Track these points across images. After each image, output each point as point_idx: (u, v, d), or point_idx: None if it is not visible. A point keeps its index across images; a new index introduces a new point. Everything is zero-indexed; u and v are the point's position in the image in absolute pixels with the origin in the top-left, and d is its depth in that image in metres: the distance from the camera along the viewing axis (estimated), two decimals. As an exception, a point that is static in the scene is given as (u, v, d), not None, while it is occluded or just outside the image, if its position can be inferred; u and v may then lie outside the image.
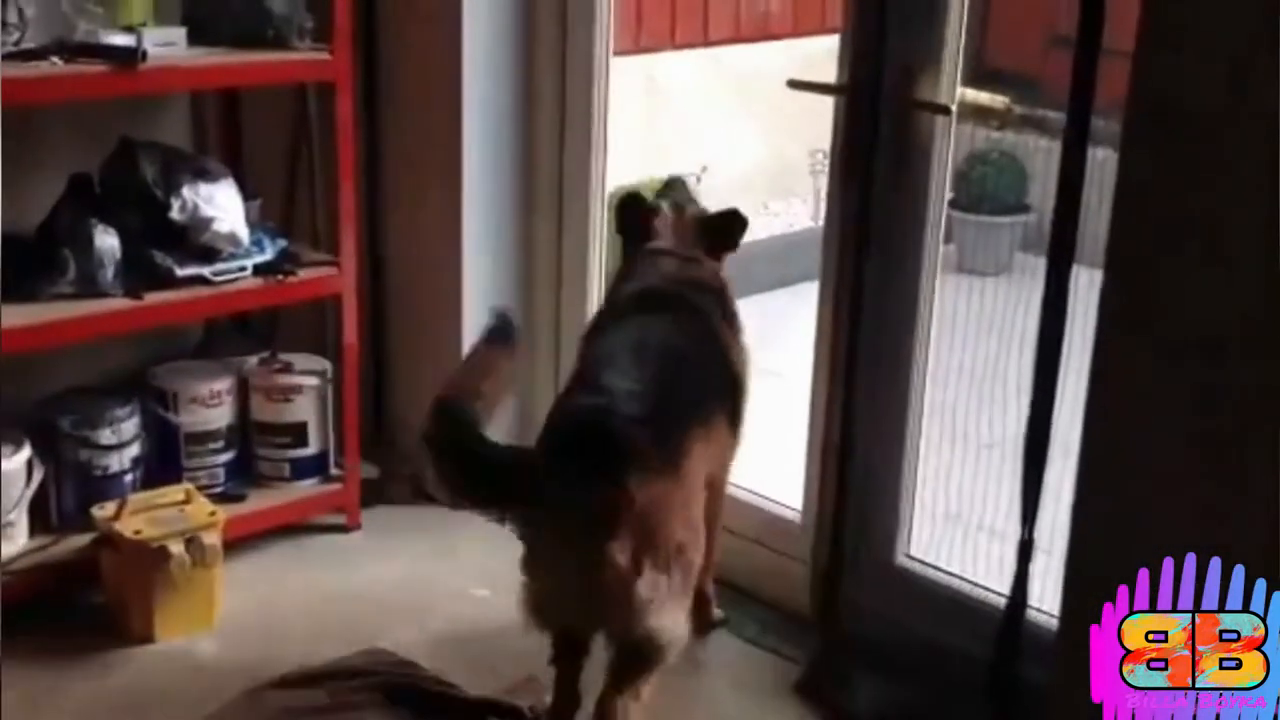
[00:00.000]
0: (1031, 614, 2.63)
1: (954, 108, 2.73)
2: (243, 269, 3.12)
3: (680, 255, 2.82)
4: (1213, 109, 1.69)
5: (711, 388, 2.61)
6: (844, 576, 2.92)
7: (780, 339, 3.96)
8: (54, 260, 2.93)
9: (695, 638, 2.84)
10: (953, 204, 5.02)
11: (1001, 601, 2.68)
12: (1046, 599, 2.59)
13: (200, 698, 2.74)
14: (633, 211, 2.91)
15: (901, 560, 2.98)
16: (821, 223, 3.04)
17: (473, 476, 2.34)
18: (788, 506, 3.15)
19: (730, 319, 2.81)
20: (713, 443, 2.57)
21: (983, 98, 2.78)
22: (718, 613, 3.02)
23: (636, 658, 2.39)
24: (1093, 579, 1.80)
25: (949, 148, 2.79)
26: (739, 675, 2.91)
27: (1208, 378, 1.71)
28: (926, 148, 2.78)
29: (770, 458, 3.42)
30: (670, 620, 2.36)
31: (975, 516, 3.30)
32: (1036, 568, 2.60)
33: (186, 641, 2.95)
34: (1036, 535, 2.61)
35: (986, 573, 2.90)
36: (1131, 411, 1.77)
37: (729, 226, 2.88)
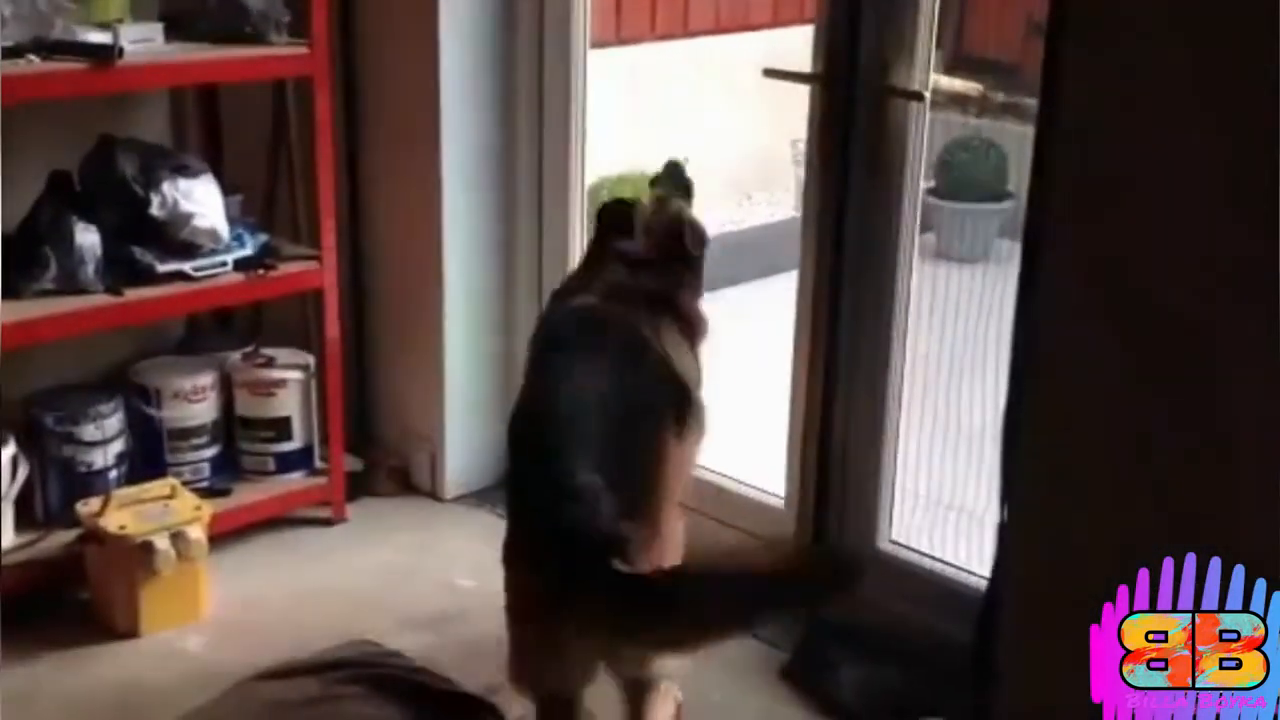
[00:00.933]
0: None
1: (928, 94, 2.74)
2: (223, 264, 3.12)
3: (636, 261, 2.71)
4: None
5: (655, 417, 2.50)
6: (826, 562, 2.93)
7: (763, 328, 3.97)
8: (35, 258, 2.94)
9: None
10: (933, 191, 5.06)
11: (983, 584, 2.70)
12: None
13: (187, 692, 2.74)
14: (609, 210, 2.85)
15: (884, 545, 2.99)
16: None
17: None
18: (770, 493, 3.16)
19: (688, 324, 2.71)
20: (675, 467, 2.51)
21: (957, 84, 2.81)
22: None
23: (647, 698, 2.45)
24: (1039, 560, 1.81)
25: (924, 134, 2.80)
26: (723, 661, 2.90)
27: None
28: (901, 135, 2.79)
29: (753, 445, 3.45)
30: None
31: (956, 501, 3.32)
32: (1006, 544, 2.61)
33: (172, 636, 2.96)
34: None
35: (968, 557, 2.92)
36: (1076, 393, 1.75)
37: (680, 236, 2.74)
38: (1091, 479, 1.73)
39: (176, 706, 2.70)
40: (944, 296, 3.93)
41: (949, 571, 2.91)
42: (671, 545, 2.40)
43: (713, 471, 3.27)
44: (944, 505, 3.32)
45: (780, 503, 3.11)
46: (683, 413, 2.61)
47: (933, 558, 2.95)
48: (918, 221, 2.88)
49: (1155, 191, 1.64)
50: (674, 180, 2.91)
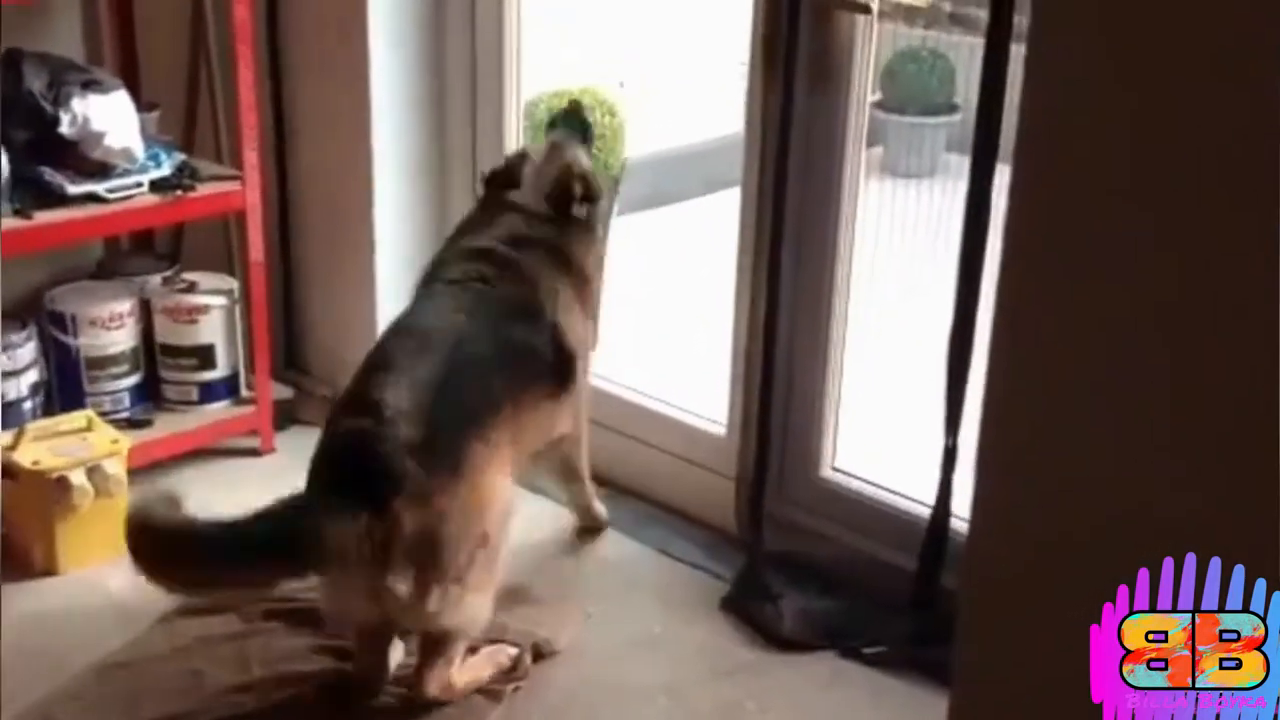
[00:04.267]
0: (956, 524, 2.61)
1: (875, 6, 2.64)
2: (138, 185, 3.00)
3: (530, 212, 2.70)
4: None
5: (516, 377, 2.49)
6: (769, 491, 2.88)
7: (708, 245, 3.89)
8: (-63, 179, 2.81)
9: (586, 541, 3.00)
10: (880, 105, 4.97)
11: (927, 512, 2.66)
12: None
13: (108, 629, 2.67)
14: (496, 171, 2.82)
15: (827, 473, 2.94)
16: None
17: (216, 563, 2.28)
18: (712, 421, 3.09)
19: (584, 281, 2.69)
20: (523, 428, 2.48)
21: (905, -5, 2.70)
22: (600, 509, 3.02)
23: (439, 643, 2.41)
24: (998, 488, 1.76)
25: (871, 48, 2.72)
26: (665, 592, 2.88)
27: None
28: (848, 48, 2.70)
29: (694, 372, 3.38)
30: (467, 615, 2.35)
31: (901, 426, 3.26)
32: (961, 477, 2.57)
33: (92, 574, 2.86)
34: (960, 443, 2.58)
35: (912, 483, 2.87)
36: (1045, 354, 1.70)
37: (566, 191, 2.72)
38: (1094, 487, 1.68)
39: (98, 645, 2.62)
40: (891, 213, 3.87)
41: (892, 499, 2.86)
42: (489, 510, 2.35)
43: (651, 398, 3.20)
44: (889, 430, 3.26)
45: (721, 430, 3.04)
46: (564, 379, 2.61)
47: (876, 485, 2.90)
48: (864, 137, 2.80)
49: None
50: (573, 123, 2.85)
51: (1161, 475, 1.60)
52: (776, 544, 2.87)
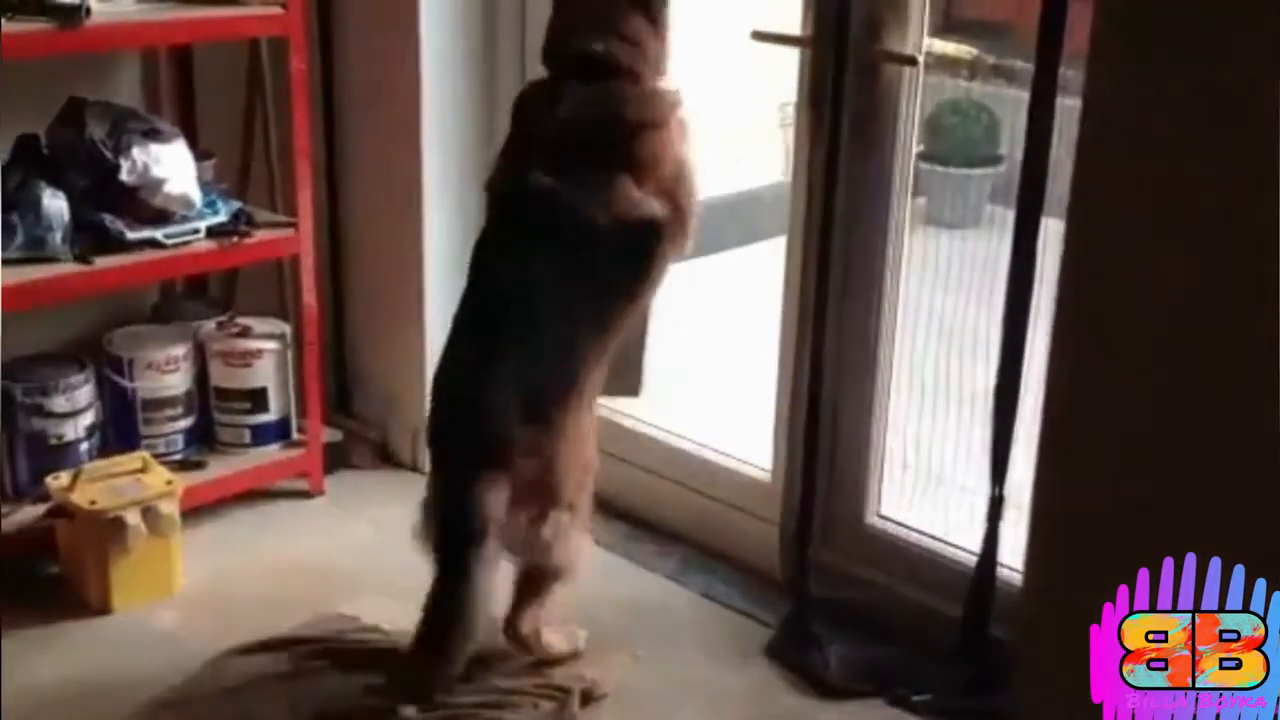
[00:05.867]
0: (1003, 571, 2.61)
1: (921, 59, 2.67)
2: (195, 231, 3.04)
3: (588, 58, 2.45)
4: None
5: (596, 312, 2.47)
6: (814, 537, 2.89)
7: (750, 295, 3.91)
8: (1, 225, 2.85)
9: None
10: (923, 156, 4.98)
11: (973, 559, 2.66)
12: (1019, 556, 2.55)
13: (159, 669, 2.69)
14: None
15: (872, 520, 2.94)
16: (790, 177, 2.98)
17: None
18: (757, 467, 3.11)
19: (648, 161, 2.47)
20: (604, 355, 2.55)
21: (950, 48, 2.74)
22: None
23: (543, 580, 2.61)
24: (1057, 539, 1.77)
25: (916, 100, 2.74)
26: (709, 638, 2.88)
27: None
28: (893, 100, 2.73)
29: (739, 416, 3.39)
30: (573, 549, 2.55)
31: (946, 473, 3.26)
32: (1007, 524, 2.57)
33: (145, 612, 2.90)
34: (1007, 491, 2.59)
35: (958, 531, 2.87)
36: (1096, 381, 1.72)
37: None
38: (1096, 477, 1.69)
39: (148, 684, 2.64)
40: (935, 262, 3.87)
41: (938, 546, 2.86)
42: (586, 443, 2.54)
43: (697, 444, 3.22)
44: (934, 478, 3.26)
45: (766, 475, 3.05)
46: (640, 271, 2.50)
47: (921, 532, 2.90)
48: (910, 188, 2.81)
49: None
50: None
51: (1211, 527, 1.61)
52: (821, 590, 2.87)
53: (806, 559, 2.87)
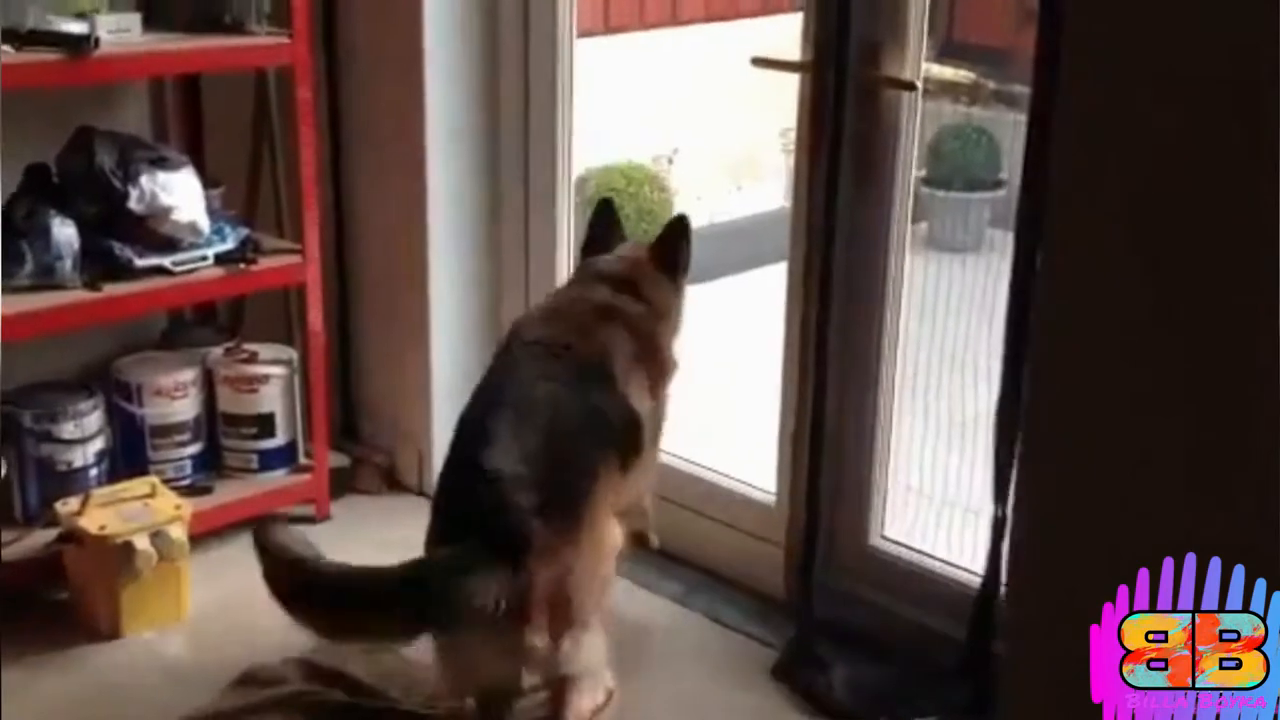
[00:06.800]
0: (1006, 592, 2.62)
1: (919, 84, 2.70)
2: (203, 258, 3.07)
3: (616, 279, 2.72)
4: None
5: (602, 441, 2.53)
6: (818, 559, 2.90)
7: (753, 319, 3.93)
8: (11, 252, 2.88)
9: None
10: (925, 180, 5.02)
11: (977, 580, 2.68)
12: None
13: (169, 693, 2.71)
14: (600, 218, 2.86)
15: (876, 541, 2.96)
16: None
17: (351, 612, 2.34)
18: (761, 490, 3.12)
19: (659, 367, 2.72)
20: (613, 481, 2.52)
21: (948, 73, 2.76)
22: (653, 538, 2.98)
23: (568, 686, 2.46)
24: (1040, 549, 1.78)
25: (916, 124, 2.76)
26: (715, 660, 2.89)
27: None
28: (893, 124, 2.75)
29: (743, 440, 3.41)
30: (592, 657, 2.43)
31: (949, 495, 3.28)
32: (1010, 545, 2.58)
33: (153, 637, 2.92)
34: (1009, 512, 2.60)
35: (961, 552, 2.88)
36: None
37: (671, 238, 2.78)
38: (1094, 480, 1.70)
39: (157, 709, 2.66)
40: (936, 287, 3.90)
41: (942, 567, 2.87)
42: (606, 558, 2.44)
43: (701, 467, 3.24)
44: (937, 500, 3.28)
45: (770, 499, 3.07)
46: (628, 453, 2.61)
47: (925, 554, 2.92)
48: (909, 212, 2.84)
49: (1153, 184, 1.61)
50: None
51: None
52: (826, 612, 2.88)
53: (811, 581, 2.88)
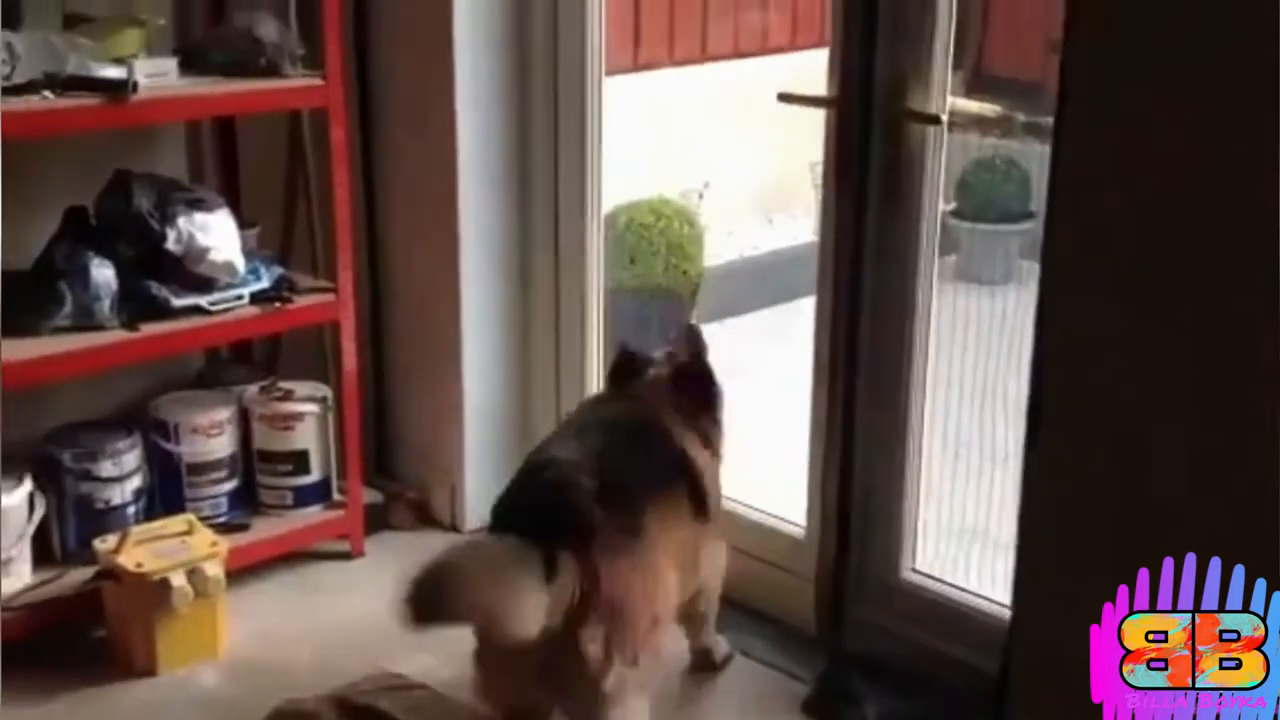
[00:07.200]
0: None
1: (944, 118, 2.72)
2: (239, 298, 3.12)
3: (660, 390, 2.75)
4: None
5: (663, 464, 2.56)
6: (849, 593, 2.90)
7: (783, 352, 3.94)
8: (51, 294, 2.93)
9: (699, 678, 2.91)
10: (956, 213, 5.03)
11: (1007, 613, 2.66)
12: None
13: (203, 730, 2.74)
14: (623, 361, 2.86)
15: (906, 575, 2.95)
16: (820, 236, 3.03)
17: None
18: (791, 523, 3.13)
19: (714, 450, 2.77)
20: (677, 521, 2.53)
21: (974, 107, 2.78)
22: (725, 649, 2.97)
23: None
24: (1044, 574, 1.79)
25: (941, 158, 2.78)
26: (745, 694, 2.90)
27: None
28: (919, 158, 2.76)
29: (773, 473, 3.41)
30: (630, 713, 2.37)
31: (980, 528, 3.28)
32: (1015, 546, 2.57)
33: (189, 674, 2.94)
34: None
35: (993, 585, 2.88)
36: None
37: (698, 382, 2.81)
38: (1095, 481, 1.72)
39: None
40: (966, 319, 3.90)
41: (972, 600, 2.87)
42: (662, 591, 2.43)
43: (730, 499, 3.24)
44: (967, 533, 3.28)
45: (801, 532, 3.08)
46: (703, 506, 2.63)
47: (956, 587, 2.91)
48: (936, 245, 2.85)
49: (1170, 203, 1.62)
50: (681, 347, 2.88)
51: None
52: (856, 645, 2.88)
53: (841, 614, 2.89)
